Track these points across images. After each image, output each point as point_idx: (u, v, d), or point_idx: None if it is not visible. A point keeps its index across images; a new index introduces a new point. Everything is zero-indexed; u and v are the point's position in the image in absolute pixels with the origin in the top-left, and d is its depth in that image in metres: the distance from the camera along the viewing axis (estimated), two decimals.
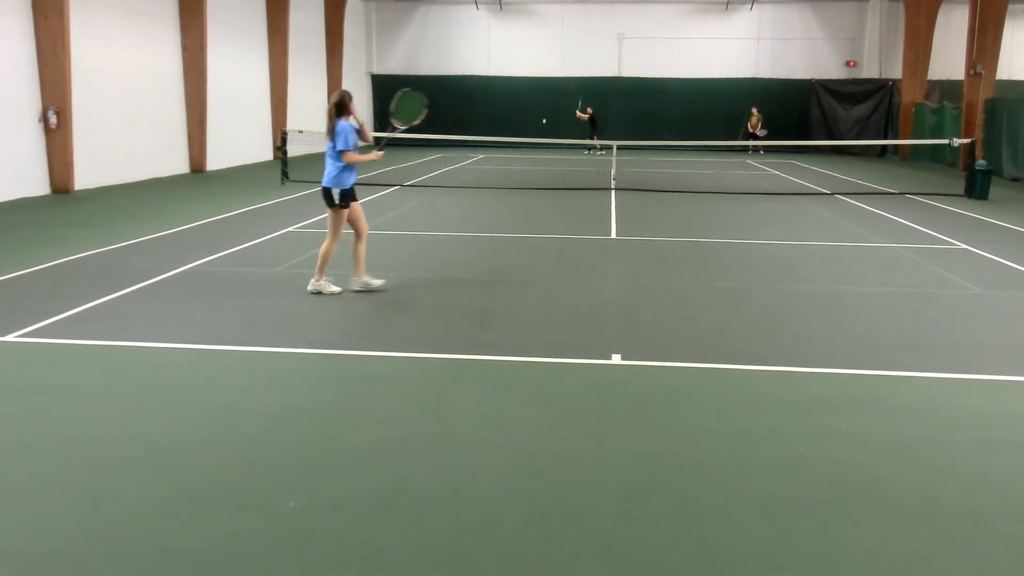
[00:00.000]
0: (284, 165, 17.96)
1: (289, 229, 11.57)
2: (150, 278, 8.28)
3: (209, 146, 20.68)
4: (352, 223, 7.93)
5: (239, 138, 22.85)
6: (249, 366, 5.78)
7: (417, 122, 8.68)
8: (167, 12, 19.34)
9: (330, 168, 7.81)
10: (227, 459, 4.26)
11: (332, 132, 7.73)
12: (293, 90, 25.87)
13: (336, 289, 7.83)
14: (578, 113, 28.91)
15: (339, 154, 7.72)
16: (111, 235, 10.75)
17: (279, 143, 18.63)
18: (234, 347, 6.15)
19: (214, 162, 21.07)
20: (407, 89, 8.89)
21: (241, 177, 19.54)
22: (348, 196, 7.84)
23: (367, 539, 3.50)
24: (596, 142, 28.47)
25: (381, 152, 8.11)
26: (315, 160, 24.65)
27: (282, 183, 17.40)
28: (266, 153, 24.45)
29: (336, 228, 7.88)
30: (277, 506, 3.76)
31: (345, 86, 30.45)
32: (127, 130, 17.80)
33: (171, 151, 19.70)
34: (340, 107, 7.77)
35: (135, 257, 9.43)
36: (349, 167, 7.80)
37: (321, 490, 3.93)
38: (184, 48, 19.86)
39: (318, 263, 7.86)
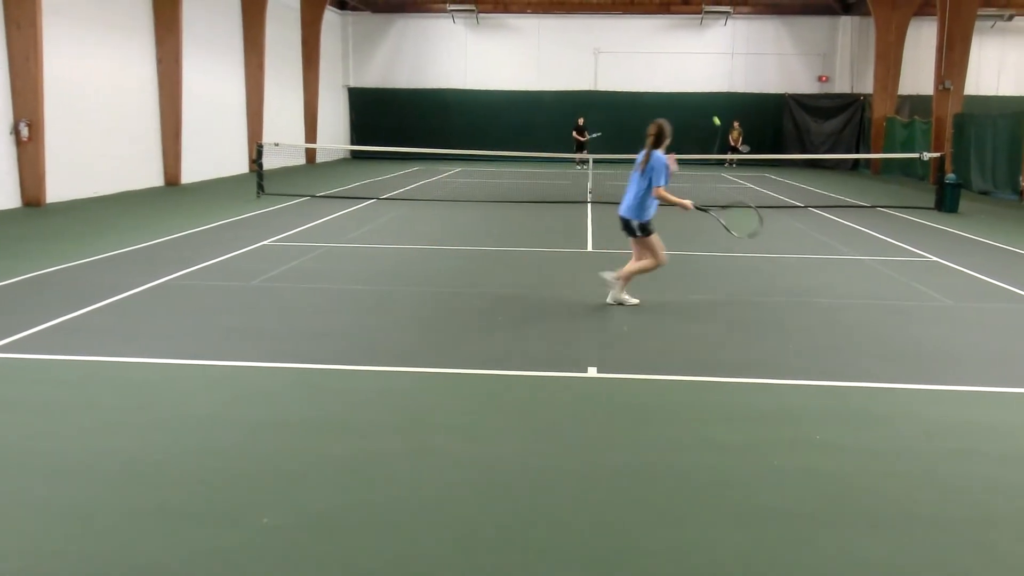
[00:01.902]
0: (260, 178, 17.87)
1: (265, 242, 11.51)
2: (123, 292, 8.20)
3: (184, 159, 20.54)
4: (649, 251, 7.85)
5: (214, 151, 22.72)
6: (224, 380, 5.73)
7: (751, 232, 8.75)
8: (142, 25, 19.23)
9: (631, 198, 7.68)
10: (201, 474, 4.22)
11: (646, 163, 7.52)
12: (269, 103, 25.78)
13: (635, 301, 7.90)
14: (580, 135, 28.87)
15: (648, 187, 7.54)
16: (83, 249, 10.65)
17: (255, 156, 18.54)
18: (208, 361, 6.10)
19: (189, 175, 20.93)
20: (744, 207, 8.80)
21: (216, 190, 19.42)
22: (649, 227, 7.74)
23: (344, 554, 3.48)
24: (579, 156, 28.40)
25: (690, 205, 7.97)
26: (291, 173, 24.71)
27: (258, 196, 17.32)
28: (242, 166, 24.33)
29: (652, 251, 7.80)
30: (252, 522, 3.73)
31: (321, 99, 30.49)
32: (100, 143, 17.64)
33: (145, 164, 19.56)
34: (659, 138, 7.55)
35: (107, 271, 9.34)
36: (652, 199, 7.65)
37: (297, 505, 3.90)
38: (159, 61, 19.75)
39: (626, 273, 7.86)
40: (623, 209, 7.80)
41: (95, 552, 3.46)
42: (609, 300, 7.96)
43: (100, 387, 5.54)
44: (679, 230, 13.62)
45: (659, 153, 7.56)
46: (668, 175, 7.59)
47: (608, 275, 7.99)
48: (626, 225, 7.81)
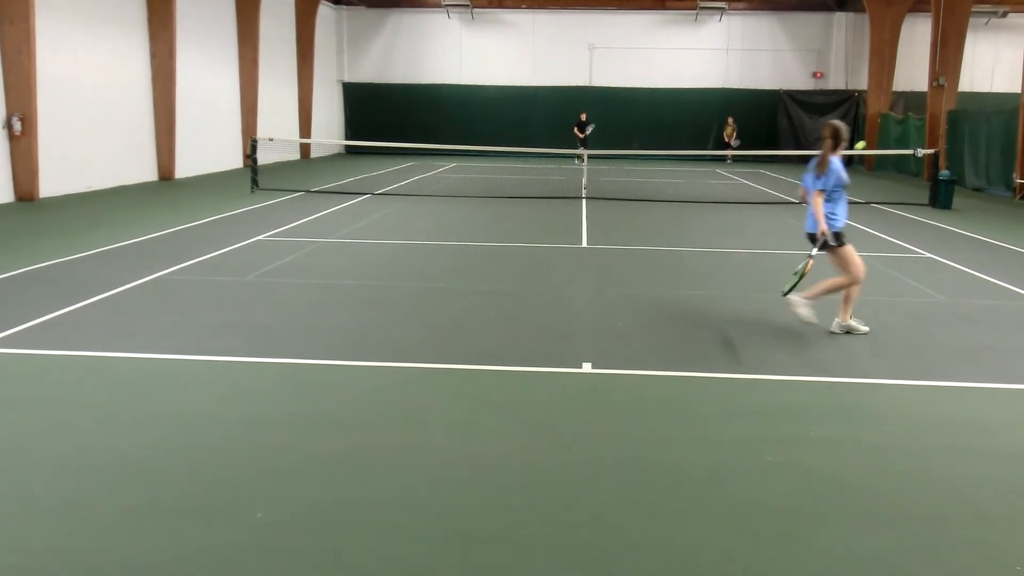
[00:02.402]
0: (254, 173, 17.83)
1: (259, 238, 11.48)
2: (115, 288, 8.18)
3: (178, 154, 20.49)
4: (842, 265, 7.01)
5: (208, 146, 22.66)
6: (217, 376, 5.72)
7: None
8: (135, 19, 19.16)
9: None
10: (195, 470, 4.21)
11: (823, 166, 6.85)
12: (263, 98, 25.72)
13: (864, 328, 6.98)
14: (577, 133, 28.66)
15: (831, 193, 6.87)
16: (77, 244, 10.61)
17: (249, 151, 18.49)
18: (202, 357, 6.09)
19: (183, 170, 20.88)
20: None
21: (210, 185, 19.37)
22: (840, 235, 6.93)
23: (338, 551, 3.48)
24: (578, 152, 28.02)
25: (827, 231, 6.89)
26: (285, 168, 24.65)
27: (252, 191, 17.28)
28: (236, 161, 24.27)
29: (846, 267, 6.94)
30: (247, 518, 3.72)
31: (316, 94, 30.43)
32: (94, 137, 17.59)
33: (139, 158, 19.50)
34: (837, 140, 6.87)
35: (100, 266, 9.31)
36: (835, 203, 6.93)
37: (291, 501, 3.90)
38: (153, 55, 19.68)
39: (843, 302, 7.00)
40: (808, 224, 7.07)
41: (88, 549, 3.46)
42: (835, 329, 7.02)
43: (93, 383, 5.52)
44: (670, 225, 13.63)
45: (836, 157, 6.92)
46: (836, 181, 6.90)
47: (798, 302, 7.00)
48: (812, 237, 7.03)
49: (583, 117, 29.08)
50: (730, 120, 31.30)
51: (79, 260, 9.62)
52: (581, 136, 28.65)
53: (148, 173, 19.86)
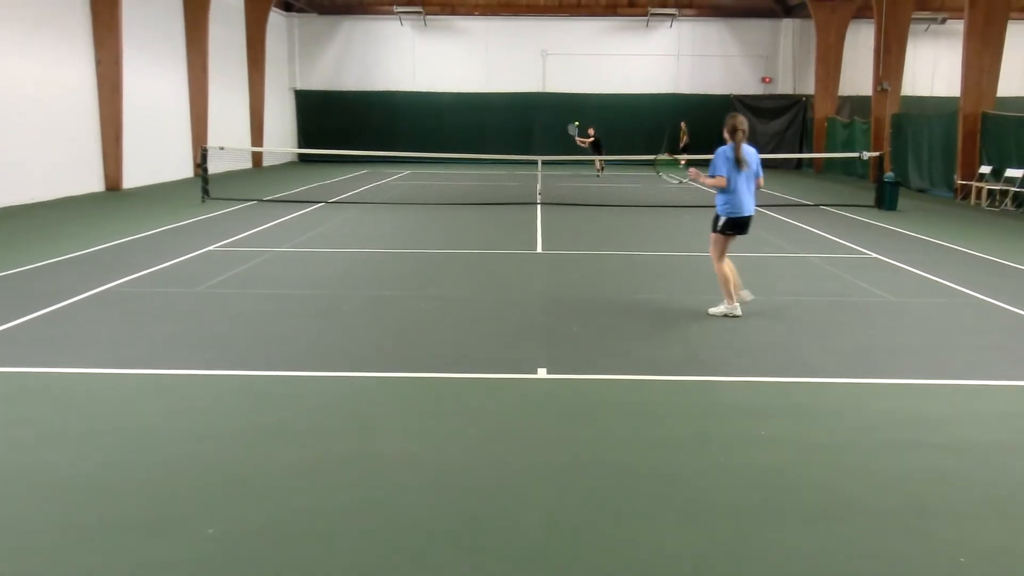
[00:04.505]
0: (205, 182, 17.58)
1: (211, 248, 11.32)
2: (62, 300, 8.00)
3: (126, 163, 20.11)
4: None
5: (158, 155, 22.29)
6: (167, 390, 5.62)
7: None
8: (79, 25, 18.77)
9: (752, 194, 7.67)
10: (143, 485, 4.13)
11: (746, 159, 7.53)
12: (214, 106, 25.38)
13: (723, 309, 7.71)
14: (578, 140, 27.38)
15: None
16: (19, 256, 10.36)
17: (199, 160, 18.22)
18: (151, 371, 5.98)
19: (131, 179, 20.49)
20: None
21: (160, 195, 19.05)
22: (716, 221, 7.78)
23: (294, 563, 3.44)
24: (599, 164, 27.03)
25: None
26: (237, 177, 24.34)
27: (203, 201, 17.03)
28: (186, 170, 23.91)
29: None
30: (198, 533, 3.66)
31: (267, 102, 30.16)
32: (36, 147, 17.18)
33: (85, 168, 19.10)
34: (730, 132, 7.55)
35: (46, 279, 9.10)
36: (724, 192, 7.64)
37: (243, 514, 3.85)
38: (98, 62, 19.30)
39: (725, 287, 7.69)
40: (752, 206, 7.70)
41: (31, 568, 3.37)
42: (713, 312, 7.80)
43: (37, 399, 5.39)
44: (623, 228, 13.75)
45: (722, 148, 7.62)
46: (712, 168, 7.63)
47: (736, 301, 7.76)
48: (748, 223, 7.75)
49: (590, 131, 27.56)
50: (683, 125, 31.63)
51: (22, 273, 9.38)
52: (585, 142, 27.37)
53: (95, 183, 19.47)
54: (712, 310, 7.79)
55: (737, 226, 7.67)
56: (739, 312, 7.69)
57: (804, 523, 3.81)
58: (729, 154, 7.53)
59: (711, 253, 7.86)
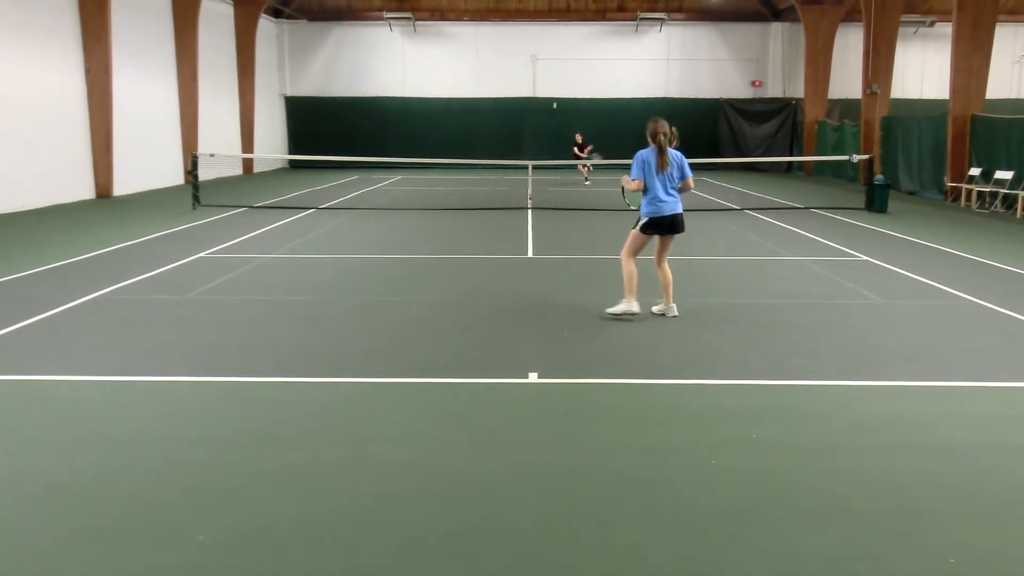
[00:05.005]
0: (195, 189, 17.55)
1: (201, 254, 11.30)
2: (53, 308, 7.97)
3: (116, 170, 20.07)
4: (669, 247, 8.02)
5: (148, 162, 22.24)
6: (157, 396, 5.61)
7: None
8: (68, 33, 18.73)
9: (676, 196, 7.78)
10: (133, 492, 4.11)
11: (668, 161, 7.68)
12: (204, 113, 25.34)
13: (621, 309, 7.78)
14: (581, 154, 25.98)
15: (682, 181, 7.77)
16: (9, 264, 10.32)
17: (190, 167, 18.19)
18: (141, 377, 5.96)
19: (122, 187, 20.45)
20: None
21: (150, 202, 19.01)
22: (637, 222, 7.91)
23: (284, 570, 3.43)
24: (586, 169, 26.26)
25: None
26: (227, 184, 24.29)
27: (193, 207, 17.00)
28: (176, 177, 23.86)
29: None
30: (188, 540, 3.65)
31: (258, 108, 30.13)
32: (26, 154, 17.12)
33: (75, 176, 19.04)
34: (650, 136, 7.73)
35: (36, 287, 9.06)
36: (645, 194, 7.78)
37: (233, 521, 3.83)
38: (88, 70, 19.26)
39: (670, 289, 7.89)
40: (675, 207, 7.76)
41: None
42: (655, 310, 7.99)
43: (25, 406, 5.36)
44: (615, 233, 13.77)
45: (642, 151, 7.79)
46: (634, 172, 7.78)
47: (673, 311, 7.94)
48: (681, 221, 7.84)
49: (578, 138, 26.60)
50: (673, 129, 31.71)
51: (12, 281, 9.35)
52: (581, 155, 26.95)
53: (85, 191, 19.42)
54: (610, 310, 7.85)
55: (659, 226, 7.78)
56: (637, 309, 7.75)
57: (794, 525, 3.82)
58: (647, 158, 7.71)
59: (624, 247, 7.91)
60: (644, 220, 7.82)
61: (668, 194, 7.73)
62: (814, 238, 13.37)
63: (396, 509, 3.96)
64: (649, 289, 8.41)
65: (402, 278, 9.90)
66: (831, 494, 4.14)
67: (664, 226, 7.78)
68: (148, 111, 22.46)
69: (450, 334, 7.28)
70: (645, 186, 7.72)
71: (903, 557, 3.55)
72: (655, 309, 7.97)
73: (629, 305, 7.77)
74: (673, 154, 7.77)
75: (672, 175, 7.74)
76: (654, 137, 7.68)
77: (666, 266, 7.95)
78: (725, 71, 33.64)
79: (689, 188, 7.88)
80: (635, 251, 7.87)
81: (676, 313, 7.87)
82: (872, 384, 5.94)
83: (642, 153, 7.73)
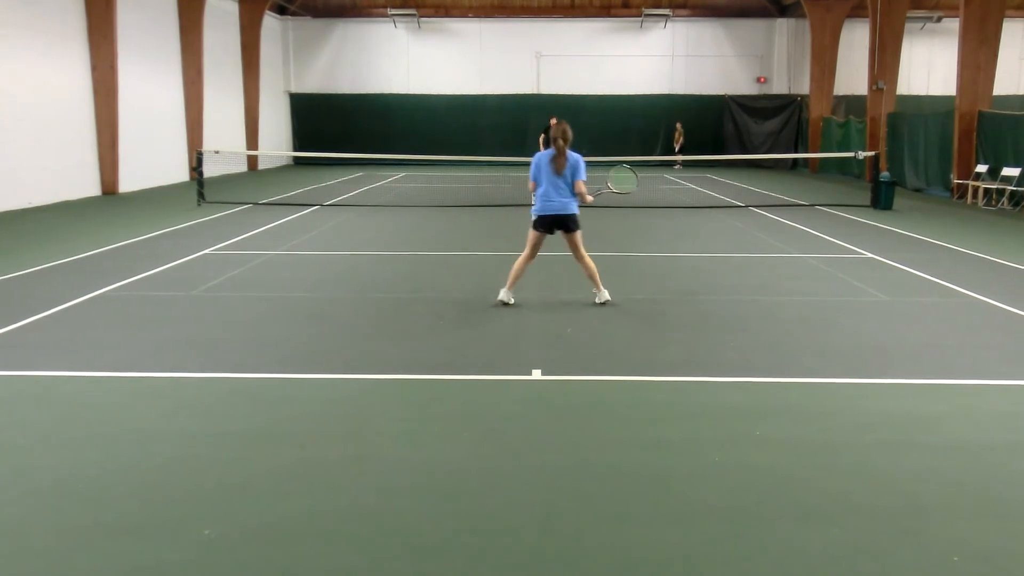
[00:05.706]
0: (200, 186, 17.58)
1: (206, 251, 11.33)
2: (59, 304, 8.00)
3: (122, 167, 20.10)
4: (579, 243, 8.26)
5: (153, 159, 22.28)
6: (163, 392, 5.63)
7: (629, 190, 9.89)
8: (74, 31, 18.77)
9: (567, 197, 8.05)
10: (140, 487, 4.14)
11: (566, 163, 7.96)
12: (209, 110, 25.37)
13: (502, 299, 8.17)
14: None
15: (574, 183, 8.03)
16: (16, 261, 10.35)
17: (195, 164, 18.22)
18: (147, 373, 5.98)
19: (127, 184, 20.49)
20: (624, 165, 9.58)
21: (156, 199, 19.05)
22: (532, 218, 8.28)
23: (288, 565, 3.45)
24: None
25: (590, 198, 8.31)
26: (232, 181, 24.34)
27: (199, 204, 17.03)
28: (182, 174, 23.90)
29: (580, 243, 8.22)
30: (194, 535, 3.67)
31: (262, 105, 30.17)
32: (32, 152, 17.17)
33: (81, 173, 19.09)
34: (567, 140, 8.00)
35: (43, 283, 9.10)
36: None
37: (239, 517, 3.85)
38: (94, 68, 19.29)
39: (597, 278, 8.22)
40: (561, 207, 8.04)
41: (28, 572, 3.37)
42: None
43: (34, 402, 5.39)
44: (621, 230, 13.76)
45: (540, 153, 8.19)
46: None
47: (604, 297, 8.22)
48: (573, 220, 8.10)
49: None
50: (678, 126, 31.73)
51: (20, 278, 9.38)
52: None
53: (91, 188, 19.46)
54: (500, 296, 8.22)
55: (545, 224, 8.12)
56: (511, 300, 8.13)
57: (798, 523, 3.82)
58: (541, 161, 8.05)
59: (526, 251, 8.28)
60: (533, 218, 8.18)
61: (559, 195, 8.03)
62: (819, 235, 13.34)
63: (399, 506, 3.97)
64: (609, 283, 8.39)
65: (405, 275, 9.91)
66: (835, 492, 4.14)
67: (548, 223, 8.11)
68: (154, 108, 22.50)
69: (453, 330, 7.29)
70: (535, 186, 8.13)
71: (906, 555, 3.55)
72: (597, 301, 8.21)
73: (507, 296, 8.18)
74: (572, 156, 8.04)
75: (567, 177, 8.02)
76: (554, 140, 7.97)
77: (586, 259, 8.23)
78: (730, 67, 33.56)
79: (581, 191, 8.10)
80: (530, 247, 8.22)
81: (608, 298, 8.16)
82: (877, 382, 5.93)
83: (539, 156, 8.12)
